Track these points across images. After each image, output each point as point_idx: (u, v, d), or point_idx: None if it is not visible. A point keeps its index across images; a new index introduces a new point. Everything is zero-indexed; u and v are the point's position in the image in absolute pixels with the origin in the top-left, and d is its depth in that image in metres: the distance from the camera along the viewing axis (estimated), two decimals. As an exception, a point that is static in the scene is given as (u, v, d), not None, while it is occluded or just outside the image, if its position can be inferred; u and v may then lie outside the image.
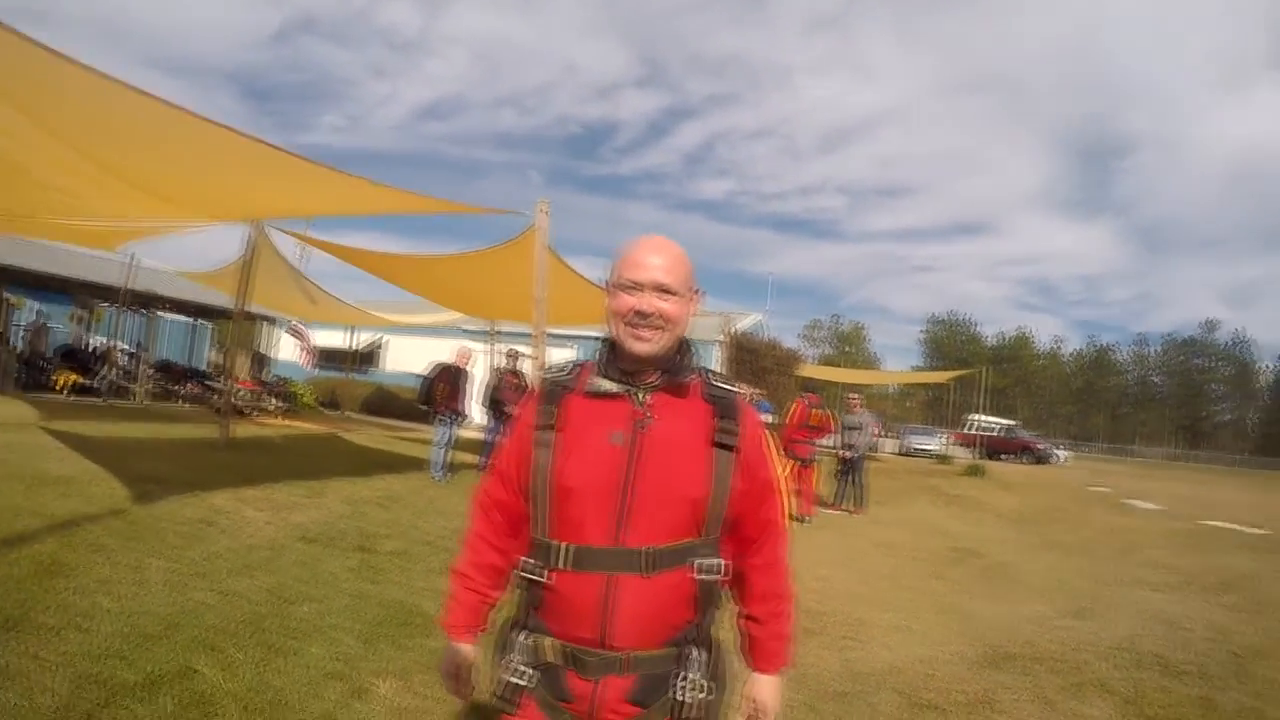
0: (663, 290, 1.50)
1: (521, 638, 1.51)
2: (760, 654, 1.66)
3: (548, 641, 1.47)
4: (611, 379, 1.53)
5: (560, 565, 1.46)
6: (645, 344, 1.49)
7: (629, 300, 1.50)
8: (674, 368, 1.54)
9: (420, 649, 3.96)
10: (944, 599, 6.35)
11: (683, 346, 1.58)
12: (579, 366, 1.60)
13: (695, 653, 1.48)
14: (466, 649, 1.64)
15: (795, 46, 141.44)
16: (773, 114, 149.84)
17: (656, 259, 1.52)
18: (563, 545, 1.46)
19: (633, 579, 1.42)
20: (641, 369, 1.53)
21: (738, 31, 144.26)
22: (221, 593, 4.42)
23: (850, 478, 11.72)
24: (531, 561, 1.51)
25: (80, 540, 5.07)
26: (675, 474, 1.46)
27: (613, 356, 1.56)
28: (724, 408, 1.53)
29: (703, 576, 1.48)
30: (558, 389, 1.56)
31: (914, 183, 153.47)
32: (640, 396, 1.51)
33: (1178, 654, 5.24)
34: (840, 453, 11.69)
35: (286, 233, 11.67)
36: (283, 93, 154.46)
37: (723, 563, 1.51)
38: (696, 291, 1.60)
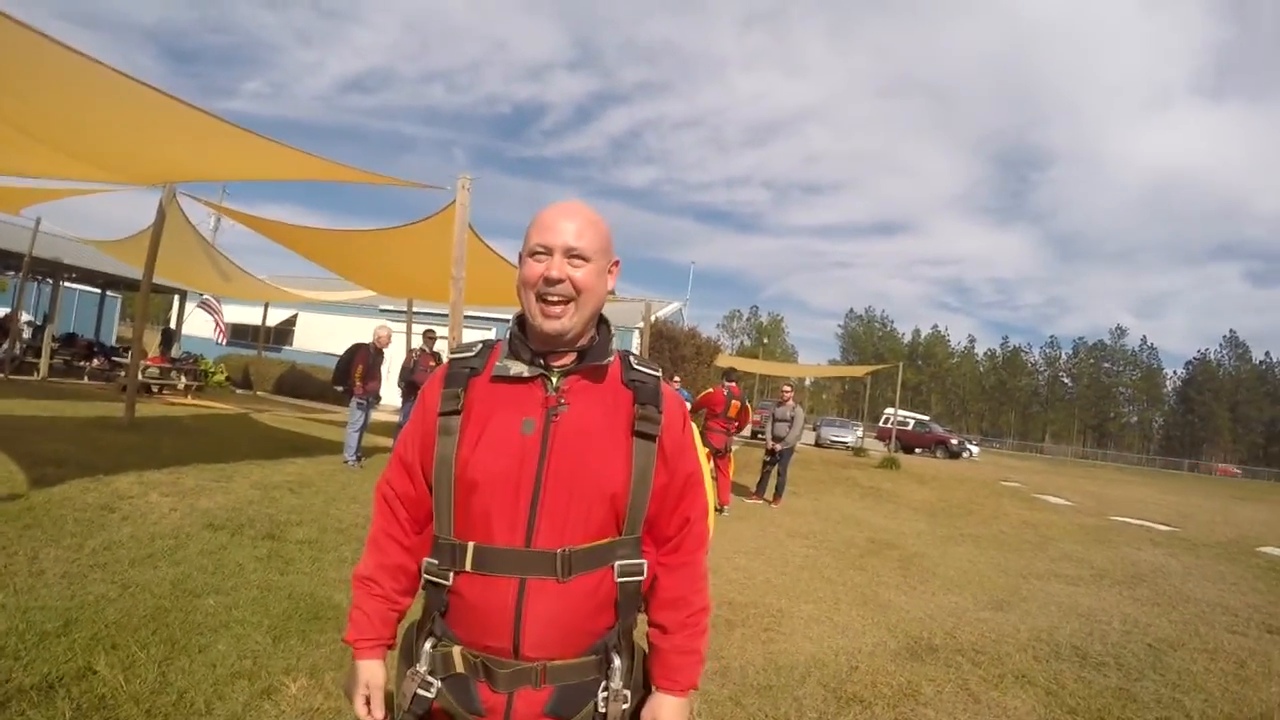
0: (575, 256, 1.36)
1: (428, 646, 1.35)
2: (664, 669, 1.44)
3: (456, 650, 1.32)
4: (522, 361, 1.39)
5: (465, 568, 1.31)
6: (556, 321, 1.35)
7: (537, 268, 1.36)
8: (591, 349, 1.41)
9: (332, 644, 3.77)
10: (863, 590, 6.41)
11: (600, 326, 1.46)
12: (489, 347, 1.46)
13: (617, 660, 1.35)
14: (375, 666, 1.44)
15: (730, 39, 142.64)
16: (703, 105, 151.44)
17: (568, 222, 1.37)
18: (468, 545, 1.32)
19: (546, 583, 1.29)
20: (555, 350, 1.39)
21: (673, 20, 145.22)
22: (123, 585, 4.16)
23: (775, 469, 11.81)
24: (434, 563, 1.36)
25: (-29, 527, 4.73)
26: (591, 466, 1.33)
27: (524, 336, 1.42)
28: (645, 393, 1.40)
29: (624, 579, 1.36)
30: (464, 371, 1.41)
31: (837, 180, 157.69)
32: (553, 380, 1.38)
33: (1095, 646, 5.38)
34: (769, 444, 11.75)
35: (199, 200, 11.16)
36: (206, 55, 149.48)
37: (645, 563, 1.40)
38: (614, 263, 1.47)
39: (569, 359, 1.40)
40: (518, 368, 1.38)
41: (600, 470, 1.34)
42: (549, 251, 1.36)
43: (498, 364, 1.40)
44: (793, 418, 11.69)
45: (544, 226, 1.38)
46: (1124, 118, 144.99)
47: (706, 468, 1.56)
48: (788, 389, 12.29)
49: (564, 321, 1.36)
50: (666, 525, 1.46)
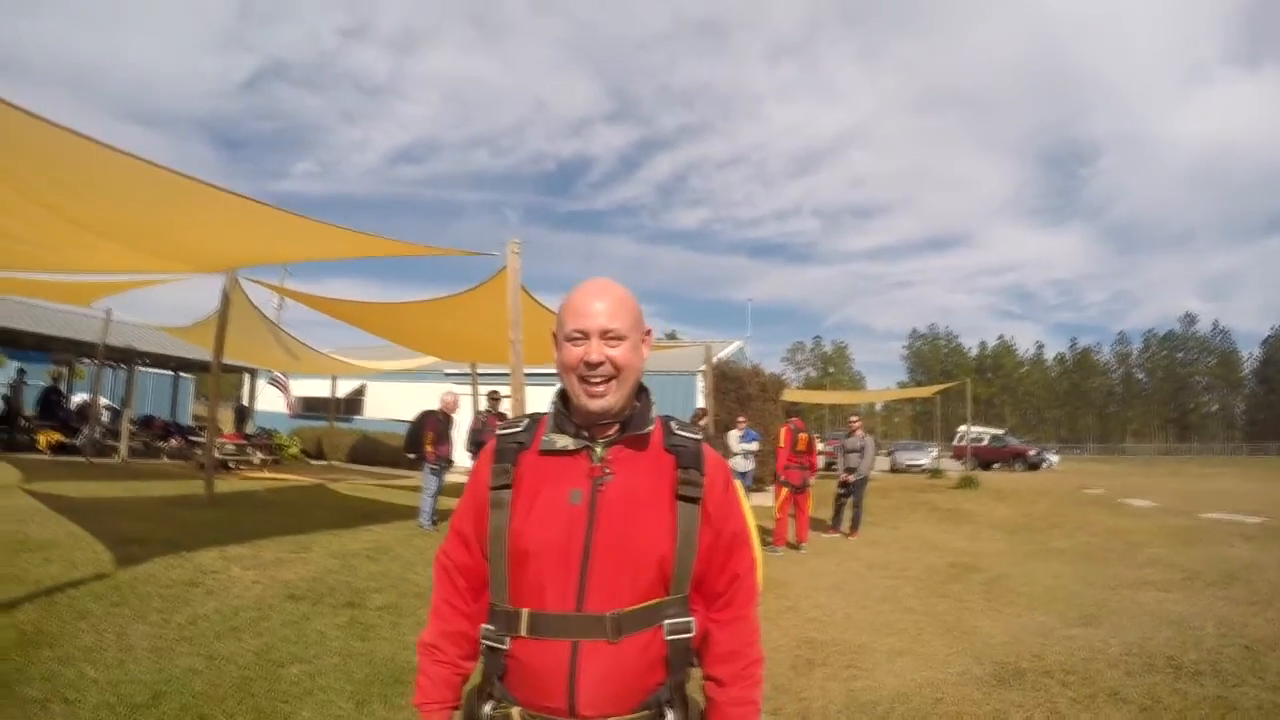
0: (611, 336, 1.43)
1: (488, 708, 1.41)
2: None
3: (515, 711, 1.38)
4: (567, 434, 1.45)
5: (520, 633, 1.37)
6: (600, 400, 1.41)
7: (576, 352, 1.43)
8: (632, 419, 1.47)
9: (413, 708, 3.83)
10: (946, 617, 6.26)
11: (641, 395, 1.51)
12: (535, 421, 1.52)
13: (670, 715, 1.39)
14: None
15: (761, 74, 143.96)
16: (743, 141, 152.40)
17: (599, 304, 1.44)
18: (522, 612, 1.38)
19: (599, 645, 1.34)
20: (599, 422, 1.45)
21: (703, 62, 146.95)
22: (209, 657, 4.31)
23: (850, 500, 11.65)
24: (491, 629, 1.43)
25: (63, 607, 4.96)
26: (637, 531, 1.38)
27: (567, 410, 1.48)
28: (687, 457, 1.45)
29: (673, 637, 1.40)
30: (512, 446, 1.48)
31: (886, 201, 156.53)
32: (598, 451, 1.43)
33: (1189, 654, 5.17)
34: (842, 475, 11.60)
35: (259, 283, 11.59)
36: (256, 141, 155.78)
37: (693, 620, 1.43)
38: (646, 333, 1.54)
39: (612, 430, 1.46)
40: (563, 441, 1.44)
41: (646, 535, 1.38)
42: (586, 336, 1.43)
43: (544, 438, 1.46)
44: (863, 447, 11.55)
45: (578, 312, 1.45)
46: (1163, 98, 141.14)
47: (751, 522, 1.59)
48: (855, 419, 12.15)
49: (608, 400, 1.42)
50: (716, 582, 1.50)
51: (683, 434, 1.50)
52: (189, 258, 8.58)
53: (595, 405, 1.41)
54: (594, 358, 1.41)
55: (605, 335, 1.43)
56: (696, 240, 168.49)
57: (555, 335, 1.50)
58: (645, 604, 1.38)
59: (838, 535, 11.31)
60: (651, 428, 1.48)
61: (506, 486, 1.43)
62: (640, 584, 1.37)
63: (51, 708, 3.45)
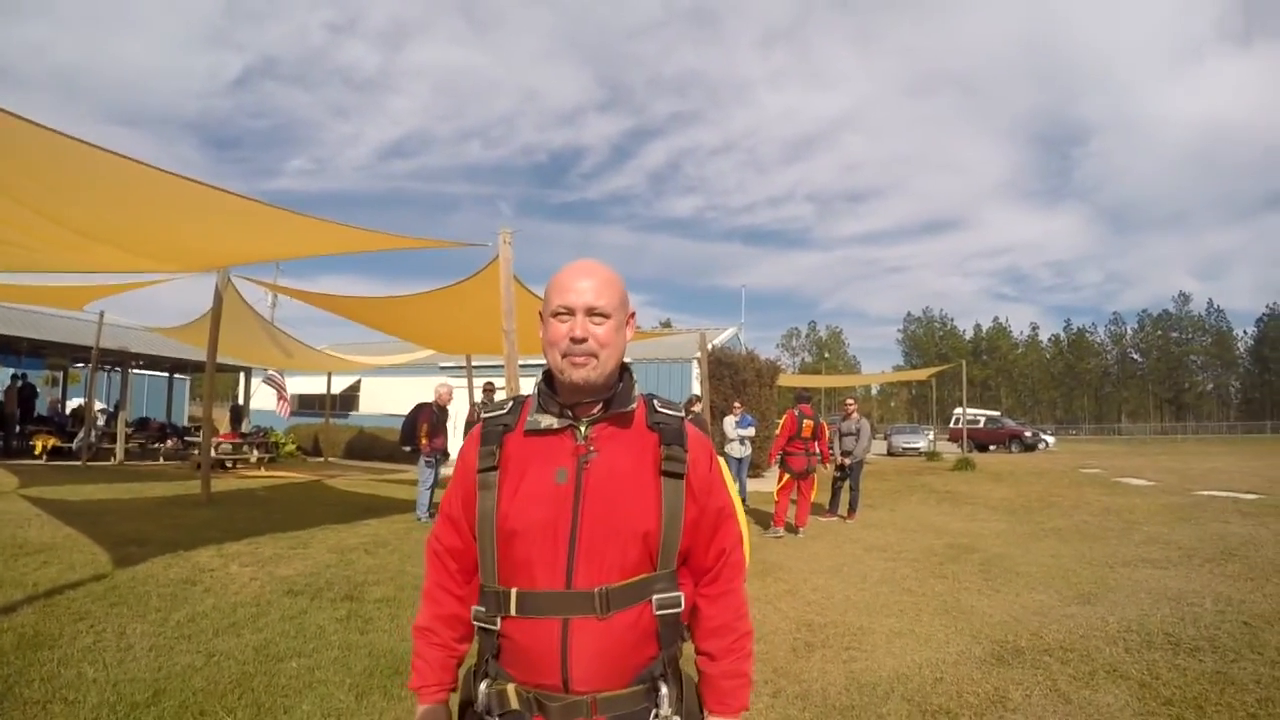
0: (595, 314, 1.44)
1: (484, 687, 1.42)
2: (714, 694, 1.52)
3: (510, 688, 1.39)
4: (551, 413, 1.46)
5: (510, 612, 1.38)
6: (581, 370, 1.42)
7: (561, 328, 1.44)
8: (615, 397, 1.48)
9: (413, 698, 3.83)
10: (945, 598, 6.27)
11: (623, 373, 1.52)
12: (519, 403, 1.53)
13: (664, 688, 1.41)
14: (440, 710, 1.54)
15: (752, 60, 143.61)
16: (736, 129, 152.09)
17: (585, 282, 1.46)
18: (512, 591, 1.39)
19: (588, 621, 1.35)
20: (582, 401, 1.46)
21: (695, 50, 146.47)
22: (208, 654, 4.31)
23: (846, 484, 11.67)
24: (482, 609, 1.44)
25: (62, 609, 4.98)
26: (623, 508, 1.39)
27: (551, 390, 1.49)
28: (669, 434, 1.47)
29: (662, 611, 1.41)
30: (497, 428, 1.49)
31: (879, 186, 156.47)
32: (582, 430, 1.45)
33: (1188, 630, 5.20)
34: (838, 459, 11.61)
35: (252, 281, 11.57)
36: (247, 140, 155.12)
37: (682, 595, 1.45)
38: (630, 315, 1.55)
39: (596, 408, 1.46)
40: (547, 420, 1.45)
41: (631, 511, 1.39)
42: (571, 312, 1.44)
43: (529, 418, 1.47)
44: (858, 430, 11.56)
45: (564, 288, 1.45)
46: (1156, 77, 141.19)
47: (735, 497, 1.60)
48: (851, 402, 12.15)
49: (589, 372, 1.42)
50: (703, 558, 1.52)
51: (665, 411, 1.51)
52: (181, 257, 8.55)
53: (577, 375, 1.42)
54: (578, 333, 1.41)
55: (590, 312, 1.43)
56: (690, 228, 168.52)
57: (541, 314, 1.51)
58: (633, 579, 1.39)
59: (835, 519, 11.31)
60: (634, 406, 1.49)
61: (493, 468, 1.44)
62: (627, 560, 1.38)
63: (52, 708, 3.45)
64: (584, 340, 1.42)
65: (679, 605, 1.44)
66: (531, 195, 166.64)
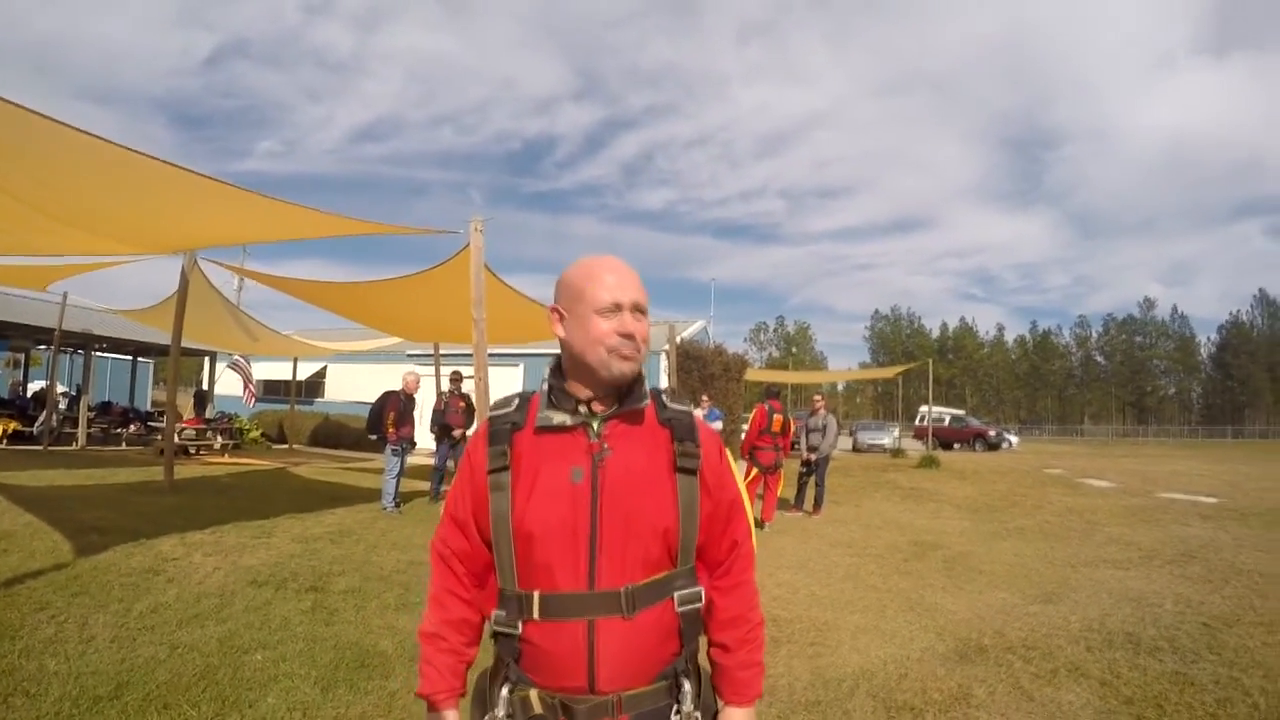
0: (639, 310, 1.45)
1: (505, 692, 1.39)
2: (730, 684, 1.54)
3: (533, 693, 1.37)
4: (564, 410, 1.44)
5: (533, 616, 1.37)
6: (630, 363, 1.43)
7: (610, 324, 1.42)
8: (628, 394, 1.47)
9: (379, 691, 3.81)
10: (909, 595, 6.34)
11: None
12: (525, 399, 1.51)
13: (687, 684, 1.42)
14: (453, 716, 1.50)
15: (729, 54, 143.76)
16: (710, 122, 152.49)
17: (630, 279, 1.46)
18: (534, 595, 1.37)
19: (614, 621, 1.35)
20: (594, 397, 1.45)
21: (671, 42, 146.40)
22: (171, 646, 4.24)
23: (812, 479, 11.73)
24: (502, 614, 1.42)
25: (23, 599, 4.86)
26: (642, 506, 1.39)
27: (561, 386, 1.47)
28: (681, 429, 1.47)
29: (684, 608, 1.43)
30: (505, 427, 1.46)
31: (851, 183, 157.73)
32: (595, 427, 1.43)
33: (1148, 630, 5.29)
34: (804, 455, 11.67)
35: (219, 264, 11.38)
36: (217, 120, 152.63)
37: (701, 590, 1.46)
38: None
39: (608, 405, 1.46)
40: (560, 417, 1.44)
41: (650, 508, 1.40)
42: (620, 309, 1.43)
43: (540, 415, 1.45)
44: (825, 426, 11.62)
45: (609, 285, 1.44)
46: (1129, 86, 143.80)
47: (742, 487, 1.61)
48: (818, 398, 12.19)
49: (636, 364, 1.44)
50: (716, 550, 1.54)
51: (675, 407, 1.51)
52: (146, 239, 8.38)
53: (627, 368, 1.43)
54: (631, 328, 1.42)
55: (635, 308, 1.45)
56: (661, 220, 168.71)
57: (560, 310, 1.49)
58: (655, 577, 1.40)
59: (800, 514, 11.37)
60: (646, 402, 1.49)
61: (505, 468, 1.42)
62: (649, 558, 1.39)
63: (13, 701, 3.38)
64: (632, 336, 1.42)
65: (699, 600, 1.46)
66: (503, 183, 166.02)
